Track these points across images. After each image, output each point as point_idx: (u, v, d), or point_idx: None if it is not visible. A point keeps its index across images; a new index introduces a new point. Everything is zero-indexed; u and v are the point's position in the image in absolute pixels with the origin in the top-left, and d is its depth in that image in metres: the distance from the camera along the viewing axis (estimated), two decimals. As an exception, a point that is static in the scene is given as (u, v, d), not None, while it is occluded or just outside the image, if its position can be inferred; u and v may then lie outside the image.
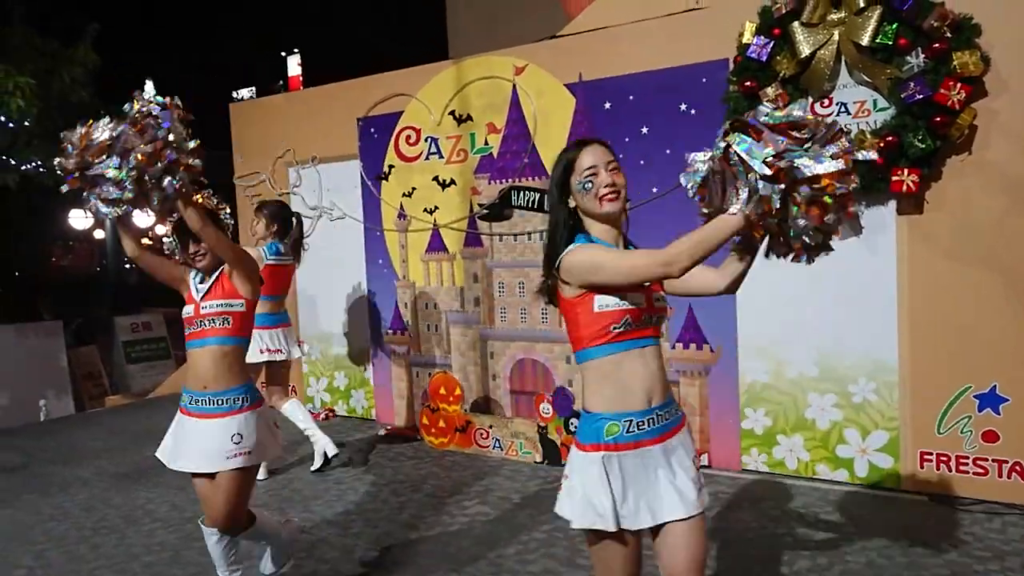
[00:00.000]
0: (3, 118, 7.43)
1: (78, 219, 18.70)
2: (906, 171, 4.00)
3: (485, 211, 5.72)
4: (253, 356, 4.72)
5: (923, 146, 3.91)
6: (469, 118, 5.76)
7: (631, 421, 2.15)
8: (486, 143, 5.69)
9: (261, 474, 4.95)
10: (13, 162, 8.47)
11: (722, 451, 4.88)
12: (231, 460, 3.09)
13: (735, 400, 4.81)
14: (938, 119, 3.87)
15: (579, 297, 2.20)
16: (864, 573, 3.43)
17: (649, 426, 2.17)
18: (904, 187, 4.02)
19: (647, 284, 2.22)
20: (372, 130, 6.29)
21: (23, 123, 7.59)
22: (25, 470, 5.79)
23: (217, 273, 3.21)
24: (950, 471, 4.22)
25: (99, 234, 22.44)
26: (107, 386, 9.79)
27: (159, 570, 3.89)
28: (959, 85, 3.82)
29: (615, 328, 2.16)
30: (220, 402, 3.13)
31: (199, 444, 3.12)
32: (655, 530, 2.18)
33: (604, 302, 2.16)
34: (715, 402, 4.88)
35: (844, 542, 3.76)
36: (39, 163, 8.52)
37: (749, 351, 4.76)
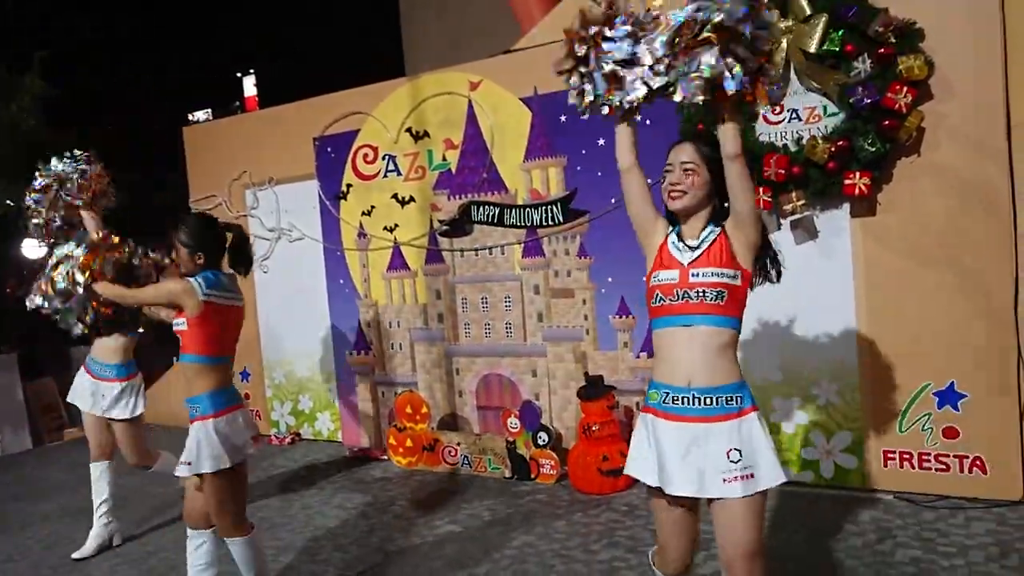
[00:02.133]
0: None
1: (31, 248, 18.33)
2: (858, 174, 4.07)
3: (445, 227, 5.70)
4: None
5: (873, 149, 3.98)
6: (426, 134, 5.75)
7: (668, 394, 2.37)
8: (444, 159, 5.68)
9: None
10: (-39, 193, 8.28)
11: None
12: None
13: (701, 407, 4.83)
14: (887, 123, 3.94)
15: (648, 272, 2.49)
16: (833, 574, 3.45)
17: (684, 404, 2.34)
18: (857, 190, 4.08)
19: (684, 264, 2.37)
20: (329, 149, 6.25)
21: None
22: (-21, 509, 5.62)
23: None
24: (913, 468, 4.27)
25: (54, 263, 22.00)
26: (66, 418, 9.54)
27: (121, 607, 3.79)
28: (905, 89, 3.89)
29: (653, 303, 2.41)
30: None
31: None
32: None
33: (653, 277, 2.43)
34: (681, 410, 4.89)
35: (812, 544, 3.79)
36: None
37: (713, 358, 4.78)
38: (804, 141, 4.21)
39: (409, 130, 5.81)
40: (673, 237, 2.46)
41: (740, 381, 2.39)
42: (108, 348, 4.54)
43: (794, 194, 4.25)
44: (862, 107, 3.98)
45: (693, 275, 2.35)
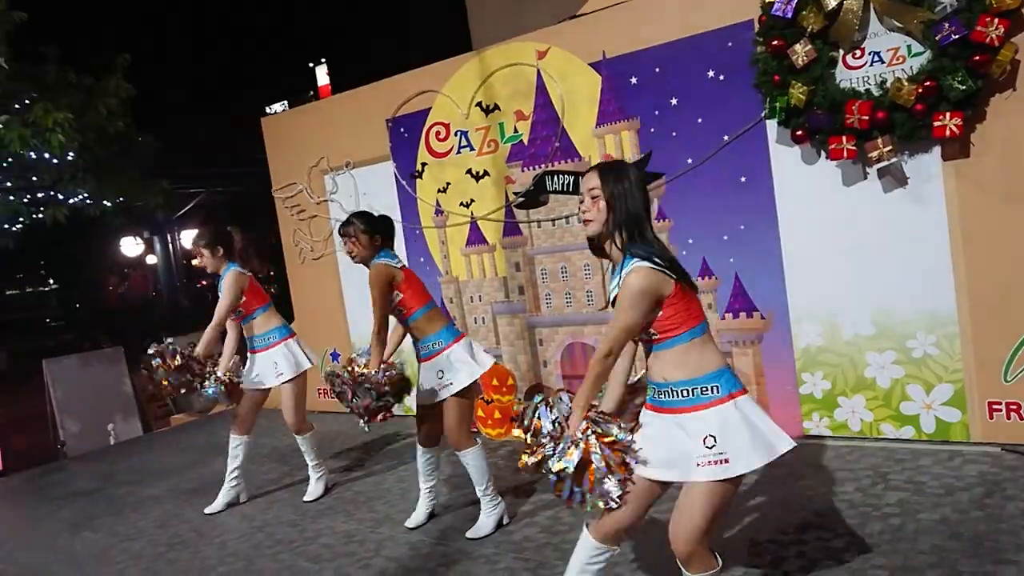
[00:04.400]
0: (46, 154, 7.64)
1: (129, 246, 19.19)
2: (948, 115, 3.88)
3: (521, 199, 5.70)
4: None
5: (964, 87, 3.78)
6: (496, 108, 5.75)
7: (654, 389, 2.51)
8: (515, 131, 5.68)
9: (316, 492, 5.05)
10: (61, 196, 8.71)
11: (782, 418, 4.76)
12: None
13: (791, 365, 4.73)
14: (977, 58, 3.74)
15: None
16: (939, 530, 3.35)
17: (656, 397, 2.50)
18: (947, 132, 3.89)
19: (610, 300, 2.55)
20: (402, 129, 6.32)
21: (66, 157, 7.78)
22: (100, 493, 5.97)
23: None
24: (1021, 419, 4.09)
25: (151, 259, 23.00)
26: (171, 406, 10.02)
27: (234, 579, 3.98)
28: (996, 20, 3.68)
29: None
30: None
31: None
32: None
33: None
34: (770, 369, 4.80)
35: (915, 500, 3.68)
36: (86, 196, 8.74)
37: (801, 314, 4.67)
38: (888, 84, 4.04)
39: (479, 104, 5.82)
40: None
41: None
42: (258, 323, 4.96)
43: (880, 140, 4.08)
44: (949, 43, 3.78)
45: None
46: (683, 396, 2.41)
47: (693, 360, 2.40)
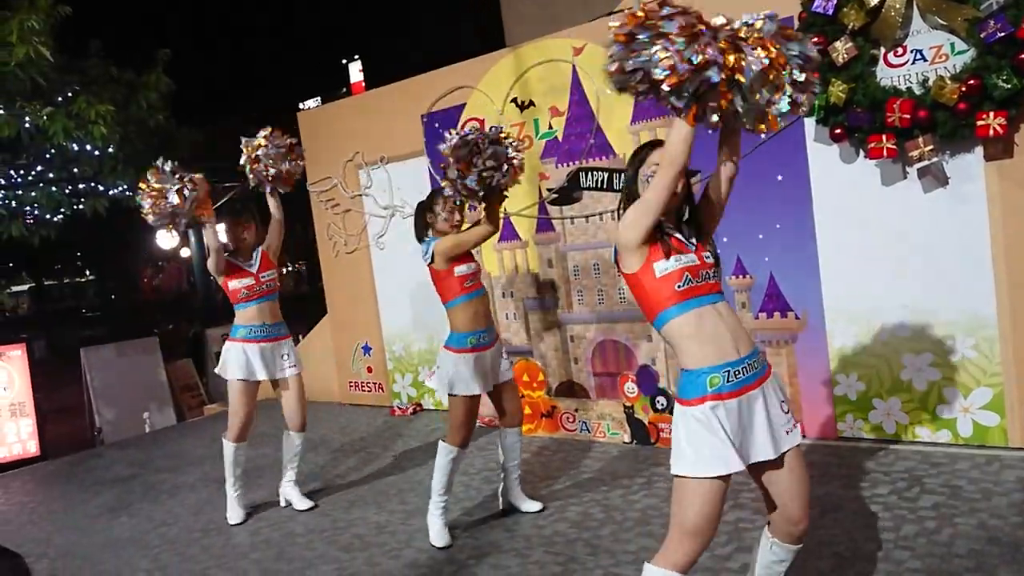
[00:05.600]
0: (88, 146, 7.79)
1: (165, 239, 19.46)
2: (991, 114, 3.81)
3: (554, 195, 5.71)
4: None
5: (1008, 86, 3.72)
6: (531, 104, 5.75)
7: (729, 371, 2.31)
8: (550, 127, 5.68)
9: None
10: (101, 188, 8.88)
11: (816, 419, 4.76)
12: None
13: (826, 366, 4.69)
14: (1022, 56, 3.68)
15: (641, 268, 2.39)
16: (976, 535, 3.31)
17: (744, 374, 2.33)
18: (991, 131, 3.83)
19: (696, 242, 2.45)
20: (437, 125, 6.35)
21: (107, 149, 7.93)
22: (136, 479, 6.08)
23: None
24: (1062, 425, 4.02)
25: (185, 252, 23.30)
26: (204, 396, 10.17)
27: (266, 566, 4.03)
28: (1044, 18, 3.62)
29: (679, 286, 2.34)
30: None
31: None
32: (757, 467, 2.38)
33: (663, 267, 2.35)
34: (804, 370, 4.76)
35: (952, 504, 3.63)
36: (126, 187, 8.90)
37: (836, 315, 4.63)
38: (930, 82, 3.98)
39: (515, 100, 5.83)
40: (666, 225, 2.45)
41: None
42: (272, 310, 4.83)
43: (921, 139, 4.03)
44: (994, 41, 3.72)
45: (706, 257, 2.44)
46: (762, 362, 2.43)
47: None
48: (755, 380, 2.35)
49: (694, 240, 2.45)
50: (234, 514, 4.74)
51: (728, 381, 2.30)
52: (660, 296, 2.37)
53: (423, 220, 4.12)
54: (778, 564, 2.50)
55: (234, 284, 4.70)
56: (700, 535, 2.29)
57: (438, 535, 4.00)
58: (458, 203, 4.04)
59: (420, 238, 4.13)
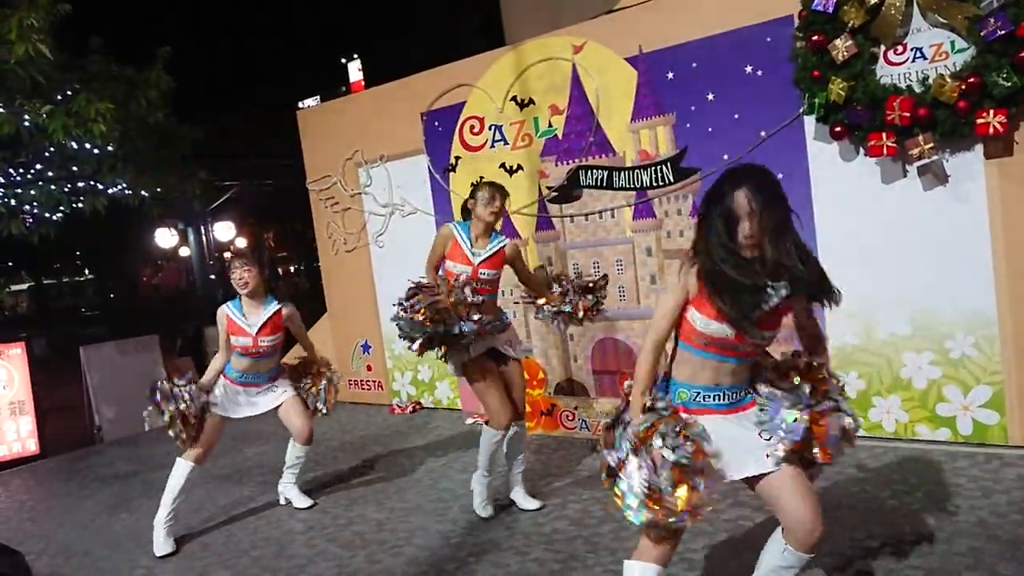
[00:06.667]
0: (87, 144, 7.77)
1: (164, 238, 19.42)
2: (992, 112, 3.82)
3: (554, 194, 5.71)
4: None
5: (1008, 84, 3.73)
6: (531, 102, 5.75)
7: (699, 392, 2.44)
8: (550, 125, 5.68)
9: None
10: (100, 186, 8.85)
11: (815, 418, 4.75)
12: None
13: (825, 365, 4.68)
14: (1023, 54, 3.68)
15: (690, 303, 2.43)
16: (975, 532, 3.31)
17: (716, 400, 2.45)
18: (991, 129, 3.84)
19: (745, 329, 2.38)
20: (436, 123, 6.35)
21: (107, 147, 7.91)
22: (136, 477, 6.08)
23: None
24: (1062, 423, 4.03)
25: (184, 251, 23.29)
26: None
27: (266, 563, 4.03)
28: (1044, 16, 3.62)
29: (706, 343, 2.41)
30: None
31: None
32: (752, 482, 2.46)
33: (704, 323, 2.38)
34: (804, 368, 4.75)
35: (952, 502, 3.63)
36: (124, 186, 8.87)
37: (836, 313, 4.56)
38: (930, 80, 3.99)
39: (514, 99, 5.83)
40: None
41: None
42: (267, 366, 4.67)
43: (921, 138, 4.04)
44: (994, 39, 3.73)
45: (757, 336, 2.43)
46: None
47: None
48: (728, 408, 2.46)
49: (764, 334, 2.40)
50: (163, 545, 4.36)
51: (694, 400, 2.44)
52: (689, 331, 2.44)
53: (464, 206, 4.35)
54: (786, 571, 2.45)
55: (233, 339, 4.52)
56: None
57: (480, 505, 4.29)
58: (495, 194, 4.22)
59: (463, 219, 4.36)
